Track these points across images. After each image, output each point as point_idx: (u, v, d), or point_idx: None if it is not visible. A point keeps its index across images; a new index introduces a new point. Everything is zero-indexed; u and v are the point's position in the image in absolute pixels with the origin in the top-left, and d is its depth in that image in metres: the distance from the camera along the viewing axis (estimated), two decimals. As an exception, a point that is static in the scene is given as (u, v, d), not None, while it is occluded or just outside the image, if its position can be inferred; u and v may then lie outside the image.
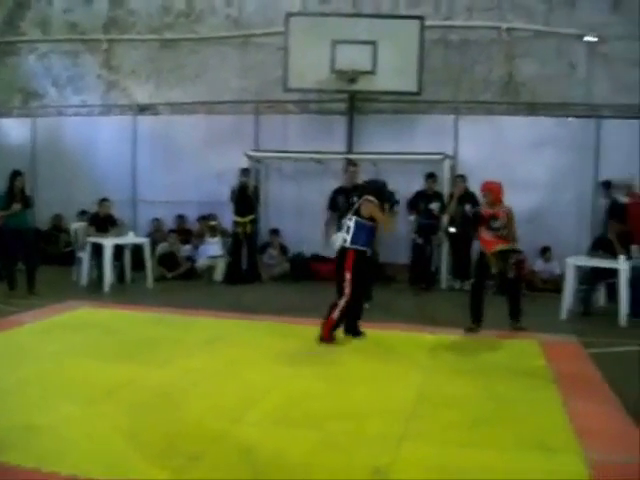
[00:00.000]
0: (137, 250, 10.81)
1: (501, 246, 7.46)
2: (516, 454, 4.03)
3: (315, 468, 3.76)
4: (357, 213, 6.86)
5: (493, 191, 7.59)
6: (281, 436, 4.27)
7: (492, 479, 3.65)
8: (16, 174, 9.52)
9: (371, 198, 6.88)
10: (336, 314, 6.78)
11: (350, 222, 6.86)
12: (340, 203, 8.79)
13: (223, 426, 4.41)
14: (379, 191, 7.09)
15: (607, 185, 10.52)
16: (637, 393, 5.18)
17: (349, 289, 6.76)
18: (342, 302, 6.78)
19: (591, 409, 4.91)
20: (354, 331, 7.09)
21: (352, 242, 6.81)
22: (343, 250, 6.86)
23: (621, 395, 5.21)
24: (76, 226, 11.13)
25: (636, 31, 11.13)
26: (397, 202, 8.86)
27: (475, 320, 7.55)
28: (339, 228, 7.08)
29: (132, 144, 13.04)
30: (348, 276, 6.76)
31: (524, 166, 11.21)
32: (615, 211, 9.85)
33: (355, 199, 7.50)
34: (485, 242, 7.60)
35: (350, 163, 8.98)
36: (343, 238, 6.86)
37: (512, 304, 7.64)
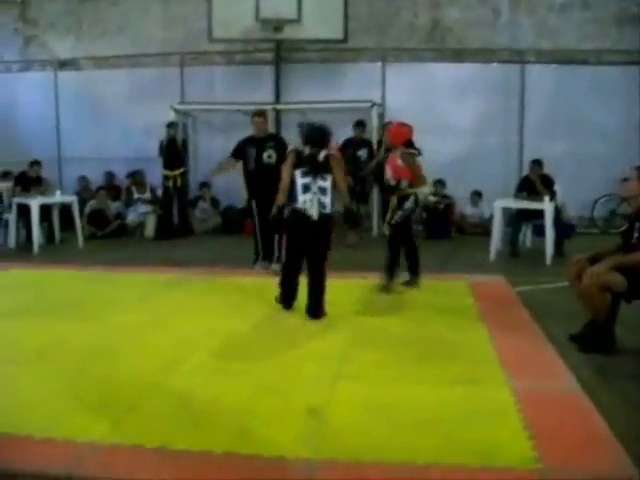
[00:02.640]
0: (65, 209, 10.59)
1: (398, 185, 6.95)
2: (445, 388, 4.16)
3: (252, 411, 3.82)
4: (328, 170, 5.79)
5: (389, 134, 7.24)
6: (217, 383, 4.30)
7: (423, 413, 3.77)
8: None
9: (336, 152, 6.10)
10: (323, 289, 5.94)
11: (325, 182, 5.77)
12: (249, 153, 7.88)
13: (158, 377, 4.41)
14: (324, 139, 5.94)
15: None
16: (561, 327, 5.38)
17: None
18: (324, 275, 5.93)
19: (517, 343, 5.10)
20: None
21: (332, 206, 5.84)
22: (326, 218, 5.82)
23: (546, 329, 5.42)
24: (1, 187, 10.82)
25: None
26: None
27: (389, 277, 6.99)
28: (306, 189, 5.76)
29: (54, 101, 12.70)
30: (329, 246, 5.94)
31: (451, 112, 11.37)
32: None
33: (271, 151, 7.61)
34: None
35: (256, 114, 8.11)
36: (320, 202, 5.75)
37: (408, 259, 7.18)
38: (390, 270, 6.90)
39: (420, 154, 6.88)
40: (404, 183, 6.82)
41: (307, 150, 5.81)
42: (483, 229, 10.54)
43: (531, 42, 11.50)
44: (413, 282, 7.09)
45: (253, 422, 3.68)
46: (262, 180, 7.65)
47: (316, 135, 5.88)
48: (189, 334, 5.45)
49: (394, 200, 6.85)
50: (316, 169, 5.75)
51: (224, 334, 5.47)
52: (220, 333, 5.49)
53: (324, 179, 5.75)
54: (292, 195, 5.79)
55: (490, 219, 9.66)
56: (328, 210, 5.78)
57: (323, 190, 5.75)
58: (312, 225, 5.77)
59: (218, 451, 3.33)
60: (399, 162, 6.81)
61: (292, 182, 5.79)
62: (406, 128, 7.05)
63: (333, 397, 4.03)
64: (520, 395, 3.98)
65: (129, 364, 4.71)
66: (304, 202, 5.73)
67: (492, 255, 8.80)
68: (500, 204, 9.05)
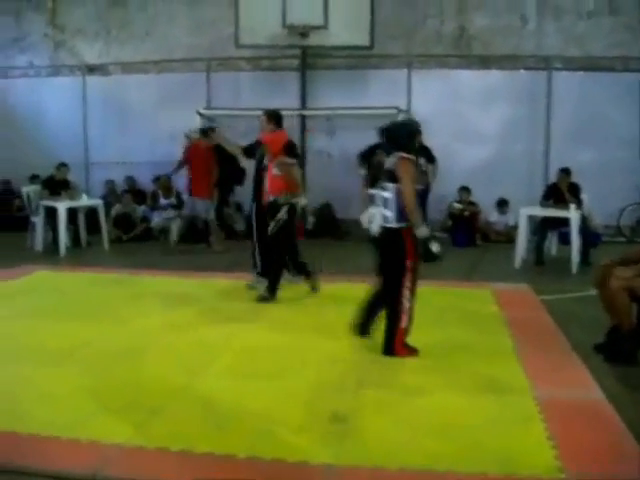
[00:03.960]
0: (92, 213, 10.68)
1: (271, 197, 6.78)
2: (469, 396, 4.14)
3: (276, 416, 3.83)
4: (393, 178, 4.84)
5: (267, 143, 6.86)
6: (241, 388, 4.32)
7: (446, 420, 3.76)
8: None
9: (406, 155, 4.86)
10: (404, 321, 4.94)
11: (387, 192, 4.87)
12: (255, 156, 7.24)
13: (183, 381, 4.44)
14: (410, 141, 5.09)
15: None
16: (586, 336, 5.34)
17: (411, 280, 4.91)
18: (405, 301, 4.93)
19: (542, 352, 5.06)
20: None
21: (398, 219, 4.83)
22: (390, 231, 4.91)
23: (571, 338, 5.38)
24: (28, 190, 10.93)
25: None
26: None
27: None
28: (373, 201, 5.02)
29: (82, 105, 12.81)
30: (409, 265, 4.87)
31: (477, 119, 11.34)
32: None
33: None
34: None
35: (264, 112, 7.31)
36: (382, 215, 4.90)
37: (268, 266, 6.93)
38: (273, 283, 6.77)
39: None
40: (278, 192, 6.69)
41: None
42: (508, 237, 10.48)
43: (558, 49, 11.43)
44: (313, 284, 7.05)
45: (276, 427, 3.69)
46: (260, 185, 7.12)
47: (393, 136, 5.06)
48: (213, 338, 5.48)
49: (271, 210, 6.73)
50: (380, 177, 4.97)
51: (248, 338, 5.51)
52: (244, 337, 5.53)
53: (386, 189, 4.87)
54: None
55: (515, 227, 9.60)
56: (391, 224, 4.87)
57: (385, 202, 4.89)
58: (375, 242, 5.08)
59: (241, 455, 3.35)
60: (274, 171, 6.70)
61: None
62: (282, 134, 6.93)
63: (357, 403, 4.04)
64: (544, 404, 3.96)
65: (154, 367, 4.75)
66: (367, 216, 5.05)
67: (517, 263, 8.75)
68: (526, 212, 8.99)
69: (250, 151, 7.25)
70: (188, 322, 6.01)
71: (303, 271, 7.09)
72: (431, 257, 4.85)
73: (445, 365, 4.76)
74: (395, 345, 4.92)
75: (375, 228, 4.95)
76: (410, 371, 4.63)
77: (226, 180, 10.95)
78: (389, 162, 4.89)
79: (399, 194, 4.77)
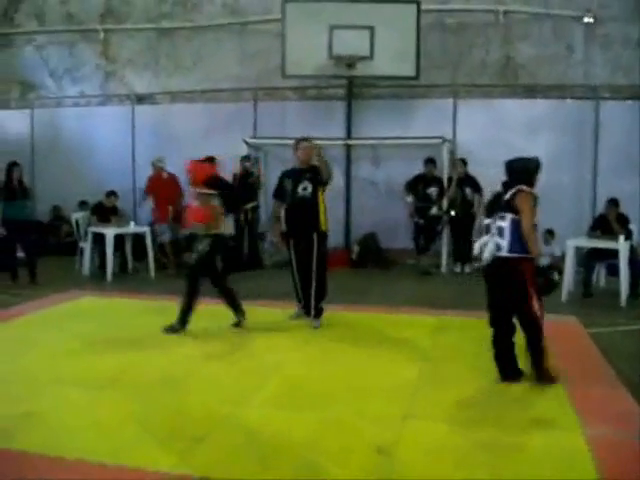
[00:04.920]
0: (139, 239, 10.83)
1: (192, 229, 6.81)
2: (517, 432, 4.07)
3: (319, 448, 3.81)
4: (510, 208, 4.92)
5: (189, 173, 6.90)
6: (285, 418, 4.32)
7: (494, 457, 3.70)
8: (13, 165, 9.55)
9: (527, 188, 4.94)
10: (539, 349, 5.01)
11: (503, 222, 4.94)
12: (286, 187, 7.16)
13: (227, 409, 4.45)
14: (532, 175, 5.12)
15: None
16: (636, 371, 5.22)
17: (539, 309, 4.97)
18: (537, 331, 5.01)
19: (590, 387, 4.96)
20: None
21: (513, 249, 4.90)
22: (502, 260, 4.96)
23: (621, 373, 5.26)
24: (77, 216, 11.15)
25: (633, 12, 11.14)
26: None
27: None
28: (487, 231, 5.08)
29: (131, 134, 13.05)
30: (532, 291, 4.91)
31: (523, 148, 11.11)
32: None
33: (307, 183, 6.91)
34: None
35: (303, 139, 7.25)
36: (496, 244, 4.96)
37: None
38: (184, 314, 6.69)
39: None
40: (198, 223, 6.62)
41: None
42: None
43: (605, 78, 11.32)
44: (238, 321, 6.87)
45: (320, 458, 3.67)
46: (296, 216, 7.10)
47: (516, 171, 5.10)
48: (257, 367, 5.50)
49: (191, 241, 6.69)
50: (497, 207, 5.03)
51: (293, 367, 5.51)
52: (289, 366, 5.53)
53: (503, 219, 4.92)
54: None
55: (562, 258, 9.45)
56: (504, 252, 4.91)
57: (501, 231, 4.94)
58: (487, 271, 5.11)
59: (284, 486, 3.34)
60: (195, 203, 6.67)
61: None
62: (206, 165, 6.92)
63: (402, 436, 3.99)
64: (594, 441, 3.87)
65: (198, 396, 4.78)
66: (479, 245, 5.10)
67: (564, 295, 8.59)
68: (573, 243, 8.86)
69: (281, 193, 7.27)
70: (231, 350, 6.06)
71: (230, 304, 6.91)
72: (552, 286, 5.06)
73: (490, 399, 4.69)
74: (545, 370, 4.99)
75: (487, 256, 5.00)
76: (456, 404, 4.57)
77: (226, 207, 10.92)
78: (508, 193, 4.95)
79: (515, 224, 4.86)
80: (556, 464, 3.60)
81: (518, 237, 4.85)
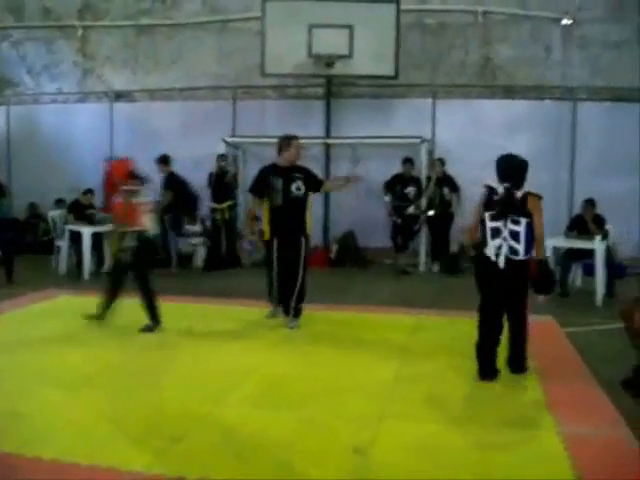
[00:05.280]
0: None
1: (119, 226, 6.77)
2: (492, 431, 4.10)
3: (296, 447, 3.81)
4: (522, 211, 4.97)
5: (113, 172, 6.96)
6: (262, 417, 4.31)
7: (469, 456, 3.71)
8: None
9: (535, 192, 5.06)
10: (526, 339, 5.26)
11: (518, 227, 4.96)
12: (274, 185, 6.87)
13: (204, 409, 4.44)
14: (523, 175, 5.14)
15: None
16: (611, 370, 5.26)
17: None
18: (526, 322, 5.23)
19: (566, 386, 4.99)
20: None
21: (526, 253, 4.99)
22: (517, 264, 5.01)
23: (596, 372, 5.30)
24: (54, 214, 11.06)
25: (611, 14, 11.23)
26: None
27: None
28: (495, 233, 5.04)
29: (109, 131, 12.96)
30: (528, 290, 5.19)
31: (501, 149, 11.07)
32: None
33: (300, 183, 6.82)
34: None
35: (294, 137, 7.03)
36: (511, 248, 4.98)
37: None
38: (105, 306, 6.75)
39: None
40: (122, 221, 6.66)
41: (501, 188, 5.04)
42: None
43: (583, 79, 11.40)
44: (151, 326, 6.70)
45: (296, 458, 3.66)
46: (287, 215, 6.91)
47: (515, 170, 5.12)
48: (235, 366, 5.48)
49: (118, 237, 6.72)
50: (510, 211, 4.99)
51: (270, 367, 5.50)
52: (266, 366, 5.52)
53: (517, 223, 4.96)
54: (481, 239, 5.12)
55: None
56: (521, 256, 4.98)
57: (515, 235, 4.97)
58: (501, 274, 5.04)
59: (260, 486, 3.33)
60: (119, 199, 6.69)
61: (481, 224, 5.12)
62: (124, 162, 6.91)
63: (379, 435, 3.99)
64: (569, 440, 3.89)
65: (174, 395, 4.76)
66: (493, 248, 5.03)
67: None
68: (550, 243, 8.90)
69: (263, 188, 7.04)
70: (210, 349, 6.03)
71: (147, 305, 6.74)
72: (552, 286, 5.44)
73: (467, 398, 4.71)
74: (524, 362, 5.25)
75: (502, 260, 5.00)
76: (431, 402, 4.59)
77: (178, 207, 10.96)
78: (518, 196, 4.99)
79: (529, 228, 4.95)
80: (532, 463, 3.62)
81: (531, 240, 4.98)
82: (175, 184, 10.78)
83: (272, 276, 7.05)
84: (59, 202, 11.94)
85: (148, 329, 6.60)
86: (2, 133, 13.49)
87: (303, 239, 6.93)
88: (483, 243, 5.10)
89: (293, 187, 6.86)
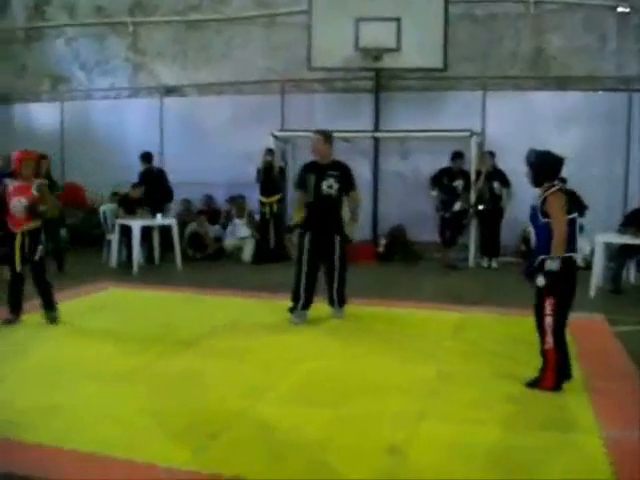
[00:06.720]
0: (166, 231, 10.88)
1: (27, 225, 6.56)
2: (533, 433, 4.00)
3: (331, 446, 3.78)
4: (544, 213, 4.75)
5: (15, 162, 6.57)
6: (299, 415, 4.29)
7: (508, 458, 3.64)
8: (41, 157, 9.58)
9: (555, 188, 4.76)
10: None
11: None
12: (308, 182, 6.89)
13: (243, 405, 4.44)
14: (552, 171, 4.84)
15: None
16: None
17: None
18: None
19: (612, 388, 4.85)
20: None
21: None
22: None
23: (646, 373, 5.15)
24: (105, 208, 11.23)
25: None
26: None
27: (13, 310, 6.67)
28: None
29: (159, 126, 13.12)
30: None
31: (553, 141, 10.95)
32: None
33: (332, 181, 6.76)
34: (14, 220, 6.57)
35: (316, 131, 7.17)
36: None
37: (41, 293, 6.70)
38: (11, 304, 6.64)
39: None
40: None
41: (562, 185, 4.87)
42: (584, 264, 10.14)
43: (639, 70, 11.09)
44: (50, 316, 6.70)
45: (331, 456, 3.64)
46: (319, 213, 6.87)
47: (530, 167, 4.89)
48: (276, 361, 5.49)
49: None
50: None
51: (311, 362, 5.48)
52: (307, 361, 5.51)
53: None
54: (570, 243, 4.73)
55: (591, 253, 9.28)
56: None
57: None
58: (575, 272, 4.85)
59: (293, 485, 3.31)
60: (34, 192, 6.52)
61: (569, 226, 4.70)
62: (33, 154, 6.78)
63: (416, 436, 3.94)
64: (613, 445, 3.78)
65: (215, 390, 4.77)
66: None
67: (592, 291, 8.45)
68: (602, 239, 8.70)
69: (303, 182, 7.01)
70: (253, 345, 6.03)
71: (44, 297, 6.72)
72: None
73: (509, 400, 4.61)
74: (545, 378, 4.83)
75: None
76: (475, 404, 4.50)
77: (155, 199, 11.12)
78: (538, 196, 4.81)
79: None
80: (570, 467, 3.52)
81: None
82: (149, 179, 11.24)
83: (300, 273, 6.89)
84: (115, 195, 12.09)
85: (49, 318, 6.67)
86: (56, 128, 13.76)
87: (338, 238, 6.88)
88: (572, 246, 4.78)
89: (324, 185, 6.82)
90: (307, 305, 6.91)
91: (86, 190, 13.13)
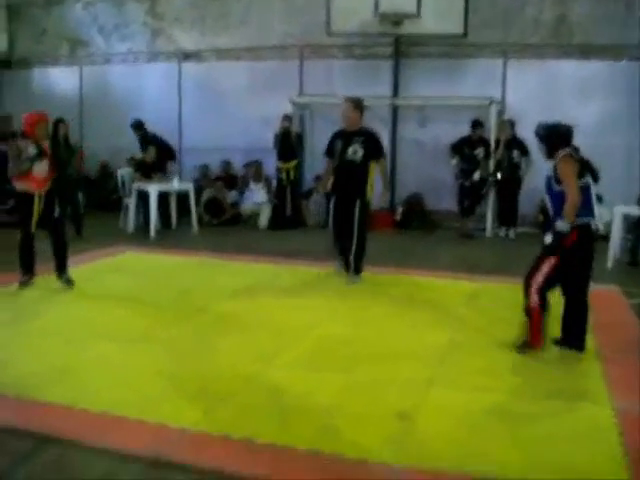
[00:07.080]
0: (183, 196, 10.90)
1: (46, 186, 6.58)
2: (543, 402, 4.00)
3: (341, 411, 3.81)
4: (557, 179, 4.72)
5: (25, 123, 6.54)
6: (310, 379, 4.32)
7: (516, 427, 3.64)
8: (59, 121, 9.63)
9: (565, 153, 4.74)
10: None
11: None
12: (335, 147, 7.16)
13: (254, 369, 4.47)
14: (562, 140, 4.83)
15: None
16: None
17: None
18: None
19: (625, 360, 4.81)
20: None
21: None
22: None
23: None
24: (122, 172, 11.26)
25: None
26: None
27: (26, 271, 6.65)
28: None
29: (177, 91, 13.11)
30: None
31: (575, 111, 10.85)
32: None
33: (357, 146, 6.93)
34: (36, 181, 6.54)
35: (346, 99, 7.29)
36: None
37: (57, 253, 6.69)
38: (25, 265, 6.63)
39: None
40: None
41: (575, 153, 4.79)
42: (604, 231, 10.04)
43: (665, 39, 10.87)
44: (64, 278, 6.71)
45: (340, 421, 3.66)
46: (342, 178, 7.12)
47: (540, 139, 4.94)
48: (289, 326, 5.51)
49: None
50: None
51: (324, 328, 5.51)
52: (320, 326, 5.54)
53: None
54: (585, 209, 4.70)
55: (609, 224, 9.18)
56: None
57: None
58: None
59: (302, 448, 3.34)
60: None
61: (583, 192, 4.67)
62: (45, 115, 6.68)
63: (425, 402, 3.96)
64: (624, 415, 3.77)
65: (228, 354, 4.81)
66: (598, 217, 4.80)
67: (610, 263, 8.39)
68: (621, 210, 8.61)
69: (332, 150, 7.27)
70: (267, 308, 6.08)
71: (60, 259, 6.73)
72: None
73: (520, 368, 4.61)
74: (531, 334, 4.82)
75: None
76: (484, 371, 4.51)
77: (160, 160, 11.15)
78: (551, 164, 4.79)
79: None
80: (579, 435, 3.52)
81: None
82: (154, 141, 11.10)
83: (331, 236, 7.41)
84: (131, 160, 12.09)
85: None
86: (75, 93, 13.78)
87: (359, 203, 6.98)
88: (589, 212, 4.78)
89: (350, 150, 7.01)
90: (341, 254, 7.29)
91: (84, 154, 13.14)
